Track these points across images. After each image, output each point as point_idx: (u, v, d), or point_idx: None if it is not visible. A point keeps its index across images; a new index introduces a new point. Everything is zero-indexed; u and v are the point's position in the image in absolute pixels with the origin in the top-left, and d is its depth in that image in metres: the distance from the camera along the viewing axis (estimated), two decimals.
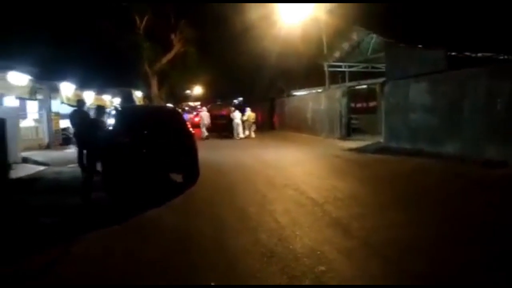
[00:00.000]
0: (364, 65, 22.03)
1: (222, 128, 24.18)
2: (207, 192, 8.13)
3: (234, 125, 22.83)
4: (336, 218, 5.93)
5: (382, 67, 18.60)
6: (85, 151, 10.22)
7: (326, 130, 20.67)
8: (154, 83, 29.66)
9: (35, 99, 15.09)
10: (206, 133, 23.25)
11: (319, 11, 20.04)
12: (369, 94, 22.21)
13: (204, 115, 24.21)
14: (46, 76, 15.57)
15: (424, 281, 3.85)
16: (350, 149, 14.79)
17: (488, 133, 10.40)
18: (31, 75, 13.13)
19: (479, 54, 13.11)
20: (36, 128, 17.11)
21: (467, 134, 11.10)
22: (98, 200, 7.37)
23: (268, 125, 30.59)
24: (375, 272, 4.02)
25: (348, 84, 22.83)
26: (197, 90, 50.06)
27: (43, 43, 18.80)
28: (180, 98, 51.05)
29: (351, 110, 20.17)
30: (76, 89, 16.91)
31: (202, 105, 34.91)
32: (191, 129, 9.28)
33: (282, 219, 5.96)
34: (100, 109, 8.51)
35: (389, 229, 5.35)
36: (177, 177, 9.17)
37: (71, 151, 14.58)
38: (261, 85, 35.44)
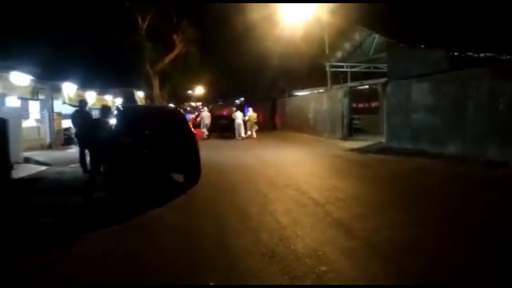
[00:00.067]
0: (366, 65, 22.05)
1: (223, 128, 24.16)
2: (209, 192, 8.13)
3: (236, 125, 22.82)
4: (337, 218, 5.92)
5: (384, 67, 18.59)
6: (87, 151, 10.29)
7: (327, 130, 20.65)
8: (156, 83, 29.69)
9: (37, 99, 15.11)
10: (206, 133, 23.26)
11: (321, 11, 20.01)
12: (371, 94, 22.20)
13: (205, 115, 24.21)
14: (48, 76, 15.59)
15: (424, 281, 3.84)
16: (352, 149, 14.78)
17: (490, 134, 10.39)
18: (33, 75, 13.15)
19: (482, 54, 13.09)
20: (38, 128, 17.13)
21: (469, 134, 11.08)
22: (100, 200, 7.38)
23: (270, 125, 30.58)
24: (377, 272, 4.02)
25: (350, 84, 22.84)
26: (199, 90, 50.04)
27: (45, 43, 18.86)
28: (182, 98, 51.06)
29: (353, 110, 20.18)
30: (78, 89, 16.92)
31: (203, 105, 34.90)
32: (192, 129, 9.28)
33: (283, 219, 5.95)
34: (106, 110, 8.51)
35: (391, 229, 5.35)
36: (179, 177, 9.16)
37: (73, 151, 14.60)
38: (262, 85, 35.45)
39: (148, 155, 8.14)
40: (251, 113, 23.75)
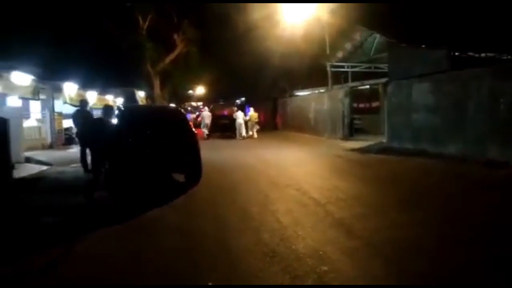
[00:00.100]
0: (367, 65, 22.06)
1: (224, 128, 24.16)
2: (210, 192, 8.14)
3: (237, 125, 22.82)
4: (338, 218, 5.92)
5: (385, 67, 18.61)
6: (88, 151, 10.30)
7: (328, 130, 20.66)
8: (156, 83, 29.72)
9: (38, 99, 15.12)
10: (206, 133, 23.28)
11: (322, 11, 20.02)
12: (372, 94, 22.23)
13: (206, 115, 24.23)
14: (49, 76, 15.62)
15: (425, 281, 3.85)
16: (353, 149, 14.78)
17: (491, 134, 10.39)
18: (34, 75, 13.17)
19: (482, 54, 13.08)
20: (39, 128, 17.14)
21: (469, 134, 11.08)
22: (101, 199, 7.38)
23: (271, 125, 30.58)
24: (378, 272, 4.02)
25: (350, 84, 22.85)
26: (200, 90, 50.10)
27: (46, 43, 18.89)
28: (183, 98, 51.11)
29: (353, 110, 20.20)
30: (79, 89, 16.94)
31: (204, 105, 34.95)
32: (193, 129, 9.29)
33: (285, 219, 5.95)
34: (108, 109, 8.53)
35: (391, 229, 5.35)
36: (180, 177, 9.17)
37: (74, 151, 14.61)
38: (263, 85, 35.44)
39: (149, 155, 8.14)
40: (252, 113, 23.75)
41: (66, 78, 16.27)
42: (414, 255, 4.46)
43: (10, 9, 19.01)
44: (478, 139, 10.79)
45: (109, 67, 24.57)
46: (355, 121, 20.36)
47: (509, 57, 13.46)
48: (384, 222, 5.74)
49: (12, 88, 12.44)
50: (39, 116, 17.80)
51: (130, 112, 9.99)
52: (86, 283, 4.05)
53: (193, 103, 54.53)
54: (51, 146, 16.59)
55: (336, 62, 22.16)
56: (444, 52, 12.68)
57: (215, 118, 24.25)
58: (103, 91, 20.80)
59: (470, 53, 12.97)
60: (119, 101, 23.29)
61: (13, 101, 14.96)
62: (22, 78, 12.35)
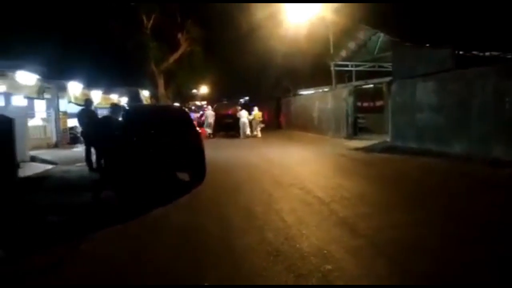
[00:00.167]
0: (371, 64, 22.02)
1: (228, 127, 24.19)
2: (214, 191, 8.16)
3: (241, 124, 22.85)
4: (342, 217, 5.93)
5: (389, 66, 18.56)
6: (93, 150, 10.36)
7: (332, 130, 20.64)
8: (161, 82, 29.80)
9: (43, 98, 15.21)
10: (208, 132, 23.32)
11: (325, 10, 20.01)
12: (376, 93, 22.17)
13: (209, 114, 24.29)
14: (54, 75, 15.69)
15: (429, 280, 3.85)
16: (357, 148, 14.77)
17: (496, 133, 10.36)
18: (39, 75, 13.24)
19: (487, 53, 13.03)
20: (44, 127, 17.21)
21: (474, 133, 11.05)
22: (107, 198, 7.43)
23: (275, 124, 30.58)
24: (381, 272, 4.03)
25: (354, 83, 22.80)
26: (204, 89, 50.15)
27: (51, 42, 18.97)
28: (187, 98, 51.15)
29: (357, 109, 20.14)
30: (83, 88, 17.00)
31: (208, 104, 35.01)
32: (197, 128, 9.32)
33: (289, 218, 5.97)
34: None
35: (395, 228, 5.35)
36: (184, 176, 9.19)
37: (79, 150, 14.68)
38: (267, 85, 35.43)
39: (154, 154, 8.17)
40: (256, 112, 23.78)
41: (71, 77, 16.33)
42: (418, 254, 4.46)
43: (15, 9, 19.09)
44: (483, 138, 10.76)
45: (113, 67, 24.66)
46: (359, 120, 20.32)
47: None
48: (388, 221, 5.75)
49: (17, 88, 12.52)
50: (44, 115, 17.88)
51: (135, 111, 10.02)
52: (91, 282, 4.07)
53: (197, 102, 54.54)
54: (56, 145, 16.67)
55: (340, 61, 22.13)
56: (449, 51, 12.64)
57: (219, 117, 24.30)
58: (107, 90, 20.87)
59: (475, 52, 12.91)
60: (124, 100, 23.35)
61: (18, 101, 15.03)
62: (27, 77, 12.42)
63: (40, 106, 18.03)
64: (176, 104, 31.71)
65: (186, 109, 14.36)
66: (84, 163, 10.83)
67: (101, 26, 24.03)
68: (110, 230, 5.59)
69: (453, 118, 11.82)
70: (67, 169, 11.07)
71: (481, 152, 10.62)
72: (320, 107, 22.65)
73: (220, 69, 34.48)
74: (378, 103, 21.71)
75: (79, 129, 13.39)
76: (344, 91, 20.05)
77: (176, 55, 29.50)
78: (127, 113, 9.31)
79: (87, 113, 10.96)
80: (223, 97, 38.22)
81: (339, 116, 19.88)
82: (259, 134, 23.38)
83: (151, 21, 27.04)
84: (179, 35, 28.98)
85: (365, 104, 23.12)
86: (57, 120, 17.03)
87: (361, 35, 20.13)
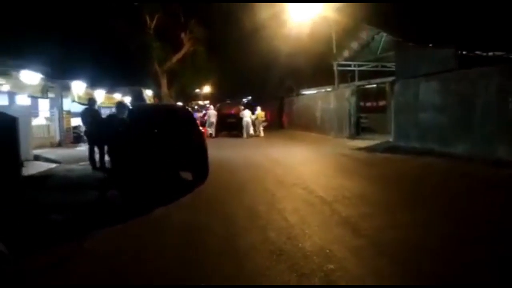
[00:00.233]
0: (374, 64, 22.00)
1: (231, 126, 24.22)
2: (217, 190, 8.18)
3: (244, 124, 22.87)
4: (344, 217, 5.94)
5: (392, 66, 18.58)
6: (96, 149, 10.40)
7: (335, 129, 20.64)
8: (164, 82, 29.86)
9: (47, 98, 15.28)
10: (210, 131, 23.35)
11: (328, 10, 20.01)
12: (379, 93, 22.14)
13: (211, 114, 24.33)
14: (58, 74, 15.75)
15: (429, 280, 3.86)
16: (359, 148, 14.78)
17: (499, 133, 10.35)
18: (43, 74, 13.29)
19: (490, 53, 13.02)
20: (48, 126, 17.26)
21: (477, 133, 11.04)
22: (110, 197, 7.46)
23: (277, 124, 30.59)
24: (383, 271, 4.04)
25: (357, 83, 22.80)
26: (206, 89, 50.23)
27: (55, 42, 19.03)
28: (190, 97, 51.23)
29: (360, 109, 20.14)
30: (87, 87, 17.04)
31: (211, 104, 35.09)
32: (201, 127, 9.34)
33: (291, 217, 5.98)
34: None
35: (397, 228, 5.36)
36: (187, 175, 9.22)
37: (82, 149, 14.71)
38: (270, 84, 35.47)
39: (156, 153, 8.20)
40: (259, 111, 23.81)
41: (74, 76, 16.38)
42: (419, 254, 4.47)
43: (19, 9, 19.16)
44: (486, 138, 10.75)
45: (117, 66, 24.73)
46: (362, 120, 20.32)
47: None
48: (390, 221, 5.75)
49: (21, 87, 12.58)
50: (47, 114, 17.95)
51: (138, 111, 10.05)
52: (93, 281, 4.07)
53: (200, 102, 54.68)
54: (59, 144, 16.71)
55: (343, 61, 22.12)
56: (452, 51, 12.63)
57: (222, 117, 24.32)
58: (111, 90, 20.93)
59: (478, 52, 12.91)
60: (127, 100, 23.39)
61: (22, 100, 15.09)
62: (31, 76, 12.47)
63: (43, 105, 18.10)
64: (179, 103, 31.77)
65: (189, 109, 14.39)
66: (87, 162, 10.87)
67: (104, 26, 24.10)
68: (113, 229, 5.62)
69: (456, 118, 11.81)
70: (70, 168, 11.11)
71: (484, 152, 10.61)
72: (322, 107, 22.64)
73: (223, 68, 34.54)
74: (381, 103, 21.68)
75: (83, 128, 13.44)
76: (346, 91, 20.05)
77: (179, 55, 29.57)
78: (131, 113, 9.34)
79: (90, 112, 11.00)
80: (226, 97, 38.24)
81: (342, 116, 19.87)
82: (262, 134, 23.41)
83: (155, 21, 27.11)
84: (182, 35, 29.05)
85: (368, 104, 23.09)
86: (60, 119, 17.08)
87: (364, 35, 20.11)
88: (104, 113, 14.19)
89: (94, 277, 4.12)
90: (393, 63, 17.12)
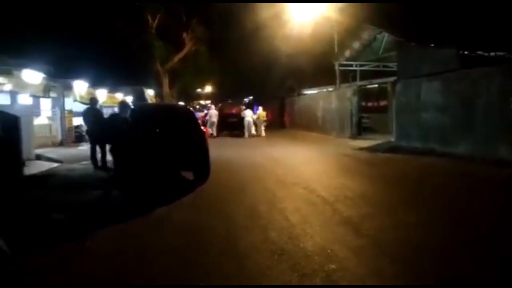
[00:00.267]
0: (375, 64, 21.98)
1: (233, 126, 24.23)
2: (218, 190, 8.18)
3: (245, 124, 22.88)
4: (346, 216, 5.94)
5: (393, 66, 18.55)
6: (98, 148, 10.41)
7: (336, 129, 20.63)
8: (165, 81, 29.90)
9: (49, 97, 15.30)
10: (211, 131, 23.37)
11: (330, 10, 20.00)
12: (380, 93, 22.14)
13: (212, 113, 24.34)
14: (60, 74, 15.77)
15: (430, 280, 3.85)
16: (361, 148, 14.77)
17: (501, 133, 10.34)
18: (45, 73, 13.31)
19: (492, 53, 12.99)
20: (50, 125, 17.30)
21: (479, 133, 11.02)
22: (113, 197, 7.47)
23: (279, 124, 30.60)
24: (384, 271, 4.04)
25: (359, 83, 22.77)
26: (208, 88, 50.25)
27: (57, 41, 19.07)
28: (191, 97, 51.26)
29: (361, 109, 20.12)
30: (89, 87, 17.08)
31: (212, 104, 35.12)
32: (202, 127, 9.35)
33: (292, 217, 5.98)
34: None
35: (398, 228, 5.35)
36: (189, 175, 9.22)
37: (84, 148, 14.74)
38: (271, 84, 35.46)
39: (158, 152, 8.21)
40: (260, 111, 23.81)
41: (76, 76, 16.41)
42: (420, 254, 4.46)
43: (22, 8, 19.20)
44: (487, 138, 10.73)
45: (118, 66, 24.75)
46: (363, 120, 20.29)
47: None
48: (391, 221, 5.75)
49: (23, 86, 12.60)
50: (49, 113, 17.98)
51: (140, 110, 10.06)
52: (94, 281, 4.07)
53: (202, 102, 54.65)
54: (61, 144, 16.74)
55: (345, 60, 22.10)
56: (453, 51, 12.61)
57: (223, 116, 24.33)
58: (113, 89, 20.97)
59: (480, 52, 12.88)
60: (129, 99, 23.41)
61: (24, 99, 15.13)
62: (33, 76, 12.49)
63: (45, 105, 18.12)
64: (181, 103, 31.80)
65: (191, 108, 14.40)
66: (89, 162, 10.90)
67: (106, 25, 24.13)
68: (114, 229, 5.62)
69: (458, 118, 11.79)
70: (72, 167, 11.13)
71: (486, 152, 10.60)
72: (324, 106, 22.63)
73: (224, 68, 34.56)
74: (383, 103, 21.67)
75: (84, 128, 13.46)
76: (348, 90, 20.04)
77: (181, 55, 29.60)
78: (133, 112, 9.35)
79: (92, 111, 11.02)
80: (227, 97, 38.24)
81: (343, 115, 19.86)
82: (263, 134, 23.42)
83: (156, 21, 27.15)
84: (184, 35, 29.07)
85: (370, 104, 23.09)
86: (62, 118, 17.11)
87: (366, 35, 20.10)
88: (106, 112, 14.18)
89: (94, 277, 4.12)
90: (395, 63, 17.09)
